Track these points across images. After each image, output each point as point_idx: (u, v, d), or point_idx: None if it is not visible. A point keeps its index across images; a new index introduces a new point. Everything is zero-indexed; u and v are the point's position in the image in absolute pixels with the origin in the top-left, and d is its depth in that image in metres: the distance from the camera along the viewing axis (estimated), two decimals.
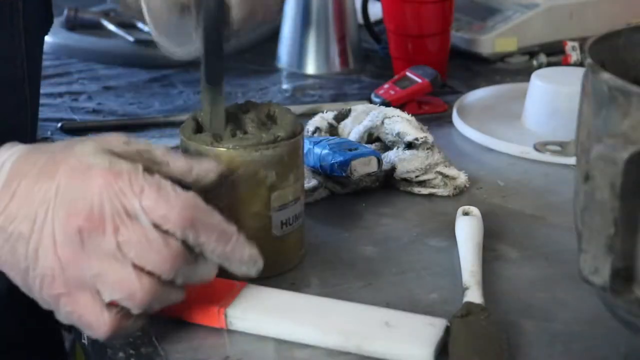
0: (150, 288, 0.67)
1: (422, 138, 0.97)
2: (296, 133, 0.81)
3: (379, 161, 0.93)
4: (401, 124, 0.99)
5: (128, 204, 0.67)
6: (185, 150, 0.80)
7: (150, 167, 0.70)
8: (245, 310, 0.74)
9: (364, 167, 0.93)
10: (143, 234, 0.67)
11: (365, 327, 0.72)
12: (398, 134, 0.98)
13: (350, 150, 0.93)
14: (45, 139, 1.13)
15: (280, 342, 0.73)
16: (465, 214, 0.89)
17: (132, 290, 0.67)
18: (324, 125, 1.03)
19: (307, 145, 0.94)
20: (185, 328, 0.74)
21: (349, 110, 1.04)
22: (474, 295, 0.76)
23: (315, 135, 1.02)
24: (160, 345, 0.73)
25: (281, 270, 0.82)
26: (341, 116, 1.04)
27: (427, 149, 0.97)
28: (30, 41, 0.94)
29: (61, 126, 1.17)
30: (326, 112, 1.05)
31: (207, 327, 0.74)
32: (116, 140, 0.71)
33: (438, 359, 0.70)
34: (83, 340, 0.80)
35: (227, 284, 0.76)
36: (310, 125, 1.02)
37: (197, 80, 1.34)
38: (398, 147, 0.98)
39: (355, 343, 0.71)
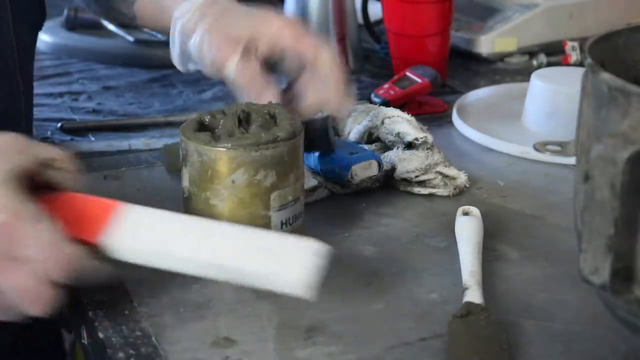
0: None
1: (422, 138, 0.97)
2: (296, 133, 0.81)
3: (380, 165, 0.94)
4: (401, 124, 0.99)
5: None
6: (185, 150, 0.80)
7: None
8: (122, 238, 0.71)
9: (364, 171, 0.93)
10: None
11: (242, 253, 0.70)
12: (398, 134, 0.98)
13: (350, 154, 0.93)
14: (46, 139, 1.13)
15: (281, 342, 0.73)
16: (465, 214, 0.89)
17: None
18: None
19: None
20: (185, 328, 0.75)
21: None
22: (474, 295, 0.76)
23: None
24: (160, 345, 0.73)
25: None
26: None
27: (427, 149, 0.97)
28: (20, 32, 0.95)
29: (61, 126, 1.17)
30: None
31: (206, 327, 0.75)
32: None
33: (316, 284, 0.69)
34: (83, 340, 0.80)
35: (103, 205, 0.73)
36: None
37: (196, 80, 1.34)
38: (398, 147, 0.98)
39: (232, 267, 0.70)
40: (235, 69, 0.88)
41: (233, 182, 0.79)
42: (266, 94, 0.88)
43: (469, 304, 0.75)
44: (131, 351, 0.72)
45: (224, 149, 0.78)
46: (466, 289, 0.78)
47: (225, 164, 0.78)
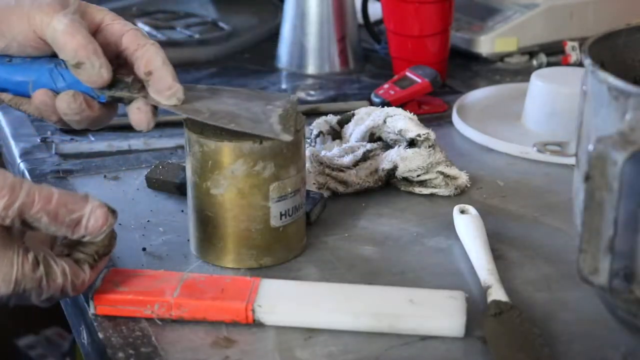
0: None
1: (424, 134, 0.97)
2: (298, 128, 0.81)
3: None
4: (403, 121, 0.98)
5: None
6: (188, 140, 0.82)
7: None
8: (272, 303, 0.75)
9: None
10: None
11: (392, 307, 0.74)
12: (400, 131, 0.98)
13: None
14: (45, 139, 1.13)
15: (281, 342, 0.73)
16: (462, 212, 0.89)
17: None
18: (326, 128, 1.03)
19: None
20: (185, 328, 0.75)
21: (352, 115, 1.04)
22: (498, 294, 0.77)
23: (319, 138, 1.02)
24: (160, 345, 0.73)
25: (283, 261, 0.83)
26: (345, 120, 1.04)
27: (430, 146, 0.97)
28: None
29: None
30: (329, 116, 1.05)
31: (206, 328, 0.75)
32: None
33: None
34: (83, 340, 0.80)
35: (242, 281, 0.77)
36: (314, 129, 1.03)
37: (196, 80, 1.34)
38: (399, 145, 0.98)
39: (387, 323, 0.73)
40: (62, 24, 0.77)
41: (232, 172, 0.79)
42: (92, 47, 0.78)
43: (498, 302, 0.75)
44: (131, 351, 0.72)
45: (224, 140, 0.79)
46: (488, 287, 0.78)
47: (224, 155, 0.79)
